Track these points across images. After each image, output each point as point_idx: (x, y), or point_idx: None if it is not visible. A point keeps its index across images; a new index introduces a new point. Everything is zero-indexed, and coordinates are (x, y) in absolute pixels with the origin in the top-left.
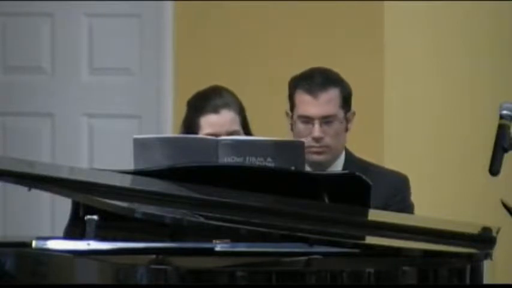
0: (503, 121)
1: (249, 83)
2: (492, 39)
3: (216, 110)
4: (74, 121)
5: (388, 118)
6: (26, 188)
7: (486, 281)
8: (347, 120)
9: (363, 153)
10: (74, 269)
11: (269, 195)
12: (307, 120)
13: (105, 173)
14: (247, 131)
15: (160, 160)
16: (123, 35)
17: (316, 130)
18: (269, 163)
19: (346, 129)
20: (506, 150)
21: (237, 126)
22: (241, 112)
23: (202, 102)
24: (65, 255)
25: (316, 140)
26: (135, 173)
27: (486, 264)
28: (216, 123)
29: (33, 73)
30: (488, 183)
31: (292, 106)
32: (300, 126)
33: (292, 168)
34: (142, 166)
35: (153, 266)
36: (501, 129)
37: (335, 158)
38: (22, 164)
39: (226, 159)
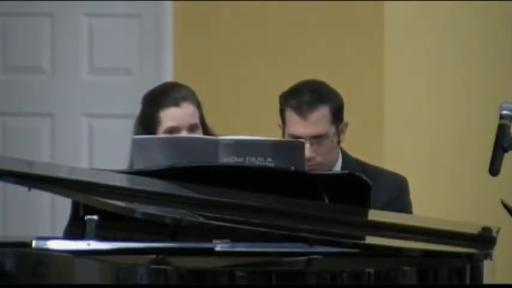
0: (503, 121)
1: (249, 83)
2: (492, 39)
3: (177, 103)
4: (74, 121)
5: (388, 118)
6: (26, 188)
7: (486, 281)
8: (339, 133)
9: (363, 153)
10: (74, 269)
11: (269, 195)
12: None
13: (105, 173)
14: (204, 126)
15: (160, 160)
16: (123, 35)
17: (307, 150)
18: (269, 163)
19: (339, 142)
20: (506, 150)
21: (197, 120)
22: (199, 107)
23: (161, 97)
24: (65, 255)
25: (308, 159)
26: (135, 173)
27: (486, 264)
28: (177, 117)
29: (33, 73)
30: (488, 183)
31: (283, 122)
32: None
33: (292, 168)
34: (142, 166)
35: (153, 266)
36: (501, 129)
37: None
38: (22, 164)
39: (226, 159)
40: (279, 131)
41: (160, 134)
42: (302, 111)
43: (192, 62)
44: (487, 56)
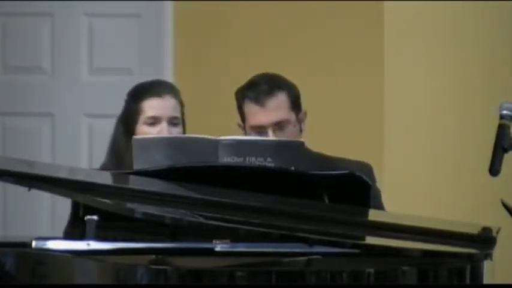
0: (503, 121)
1: None
2: (492, 40)
3: (159, 94)
4: (74, 121)
5: (388, 118)
6: (26, 188)
7: (486, 281)
8: (300, 122)
9: (363, 153)
10: (74, 269)
11: (269, 195)
12: (260, 129)
13: (105, 173)
14: (184, 126)
15: (160, 160)
16: (123, 35)
17: (270, 138)
18: (269, 163)
19: (301, 130)
20: (506, 150)
21: (178, 114)
22: (182, 105)
23: (144, 89)
24: (64, 256)
25: None
26: (135, 173)
27: (486, 264)
28: (158, 106)
29: (33, 73)
30: (487, 183)
31: (243, 118)
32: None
33: (292, 168)
34: (142, 166)
35: (153, 266)
36: (501, 129)
37: None
38: (22, 164)
39: (226, 159)
40: (240, 131)
41: (162, 134)
42: (260, 99)
43: (192, 62)
44: (486, 56)
